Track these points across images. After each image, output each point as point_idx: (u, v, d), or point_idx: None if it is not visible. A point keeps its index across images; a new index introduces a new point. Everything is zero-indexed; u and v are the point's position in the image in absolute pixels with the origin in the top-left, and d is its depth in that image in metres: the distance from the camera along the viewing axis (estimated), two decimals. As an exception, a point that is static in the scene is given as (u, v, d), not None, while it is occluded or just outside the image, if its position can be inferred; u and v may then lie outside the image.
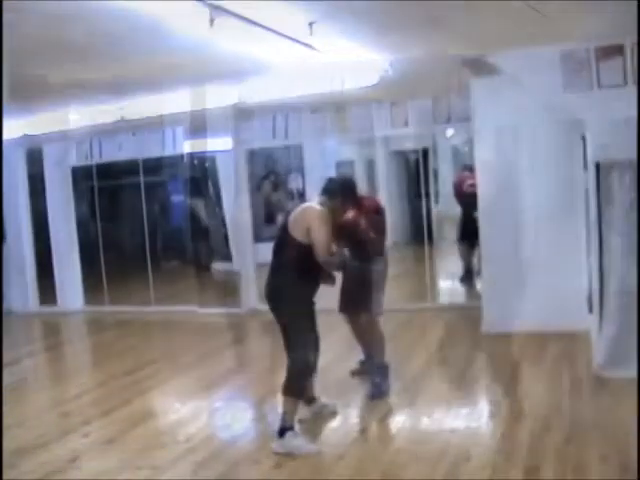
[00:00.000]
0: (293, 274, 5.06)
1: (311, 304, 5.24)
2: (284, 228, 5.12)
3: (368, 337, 6.26)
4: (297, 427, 5.11)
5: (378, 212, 6.16)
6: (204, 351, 8.28)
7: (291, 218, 5.09)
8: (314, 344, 5.23)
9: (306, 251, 4.94)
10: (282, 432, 4.97)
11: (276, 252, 5.23)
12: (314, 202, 5.19)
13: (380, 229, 6.12)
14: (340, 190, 5.32)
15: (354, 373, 6.60)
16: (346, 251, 5.47)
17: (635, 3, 4.73)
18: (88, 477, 4.78)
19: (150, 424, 5.90)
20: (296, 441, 4.95)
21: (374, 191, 14.55)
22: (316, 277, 5.17)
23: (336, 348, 7.54)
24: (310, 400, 5.59)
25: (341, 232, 5.71)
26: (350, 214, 5.74)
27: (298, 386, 5.11)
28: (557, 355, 6.84)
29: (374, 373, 6.15)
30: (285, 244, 5.11)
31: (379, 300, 6.14)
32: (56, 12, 4.19)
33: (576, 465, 4.36)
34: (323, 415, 5.62)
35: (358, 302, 6.15)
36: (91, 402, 6.63)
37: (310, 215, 5.00)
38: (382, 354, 6.20)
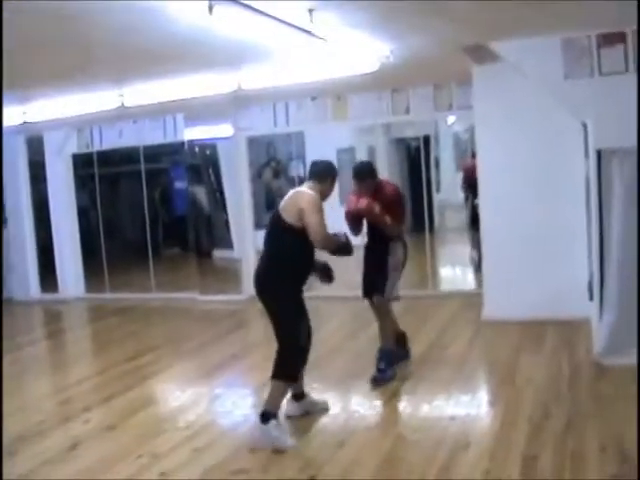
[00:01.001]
0: (284, 258, 4.96)
1: (300, 290, 5.07)
2: (275, 214, 5.01)
3: (379, 320, 6.21)
4: (285, 423, 5.10)
5: (396, 198, 6.08)
6: (205, 338, 8.30)
7: (282, 203, 4.98)
8: (306, 329, 5.02)
9: (298, 234, 4.84)
10: (265, 418, 4.82)
11: (267, 239, 5.11)
12: (304, 187, 5.08)
13: (397, 215, 6.00)
14: (326, 172, 5.18)
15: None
16: (345, 235, 5.20)
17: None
18: (88, 464, 4.78)
19: (150, 411, 5.91)
20: (276, 432, 4.80)
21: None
22: (308, 263, 5.09)
23: (337, 334, 7.57)
24: (299, 396, 5.40)
25: (356, 218, 5.96)
26: (364, 202, 5.80)
27: (291, 369, 4.97)
28: (557, 343, 6.85)
29: (379, 358, 6.11)
30: (276, 229, 5.01)
31: (393, 284, 6.07)
32: (54, 2, 4.19)
33: (575, 454, 4.36)
34: (313, 412, 5.43)
35: (372, 284, 6.12)
36: (91, 389, 6.65)
37: (302, 199, 4.88)
38: (389, 340, 6.17)
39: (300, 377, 5.29)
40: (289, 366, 4.94)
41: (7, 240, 11.99)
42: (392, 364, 6.10)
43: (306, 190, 4.99)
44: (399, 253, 6.12)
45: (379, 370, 6.03)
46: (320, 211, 4.85)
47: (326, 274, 5.27)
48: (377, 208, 5.81)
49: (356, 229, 6.07)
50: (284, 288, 4.94)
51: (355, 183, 5.98)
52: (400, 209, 6.11)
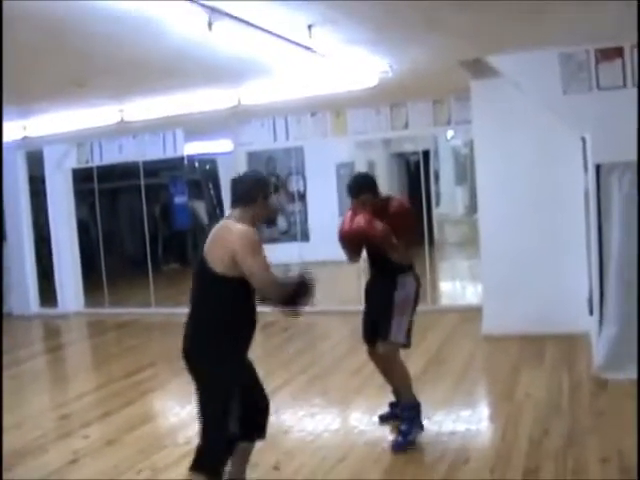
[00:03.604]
0: (216, 318, 3.80)
1: (240, 359, 3.92)
2: (200, 260, 3.85)
3: (388, 371, 5.24)
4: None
5: (402, 214, 5.00)
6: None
7: (207, 245, 3.83)
8: (237, 412, 3.81)
9: (233, 285, 3.74)
10: None
11: (193, 293, 3.93)
12: (231, 218, 3.88)
13: (404, 236, 4.93)
14: (251, 191, 3.92)
15: (382, 418, 5.49)
16: (301, 277, 3.95)
17: (634, 4, 4.74)
18: (88, 479, 4.77)
19: (150, 426, 5.91)
20: None
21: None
22: (249, 321, 3.91)
23: (336, 350, 7.56)
24: None
25: (354, 240, 4.99)
26: (362, 219, 4.83)
27: (212, 462, 3.82)
28: (557, 357, 6.85)
29: (401, 417, 5.16)
30: (203, 279, 3.87)
31: (401, 326, 4.96)
32: (54, 14, 4.20)
33: (575, 468, 4.36)
34: None
35: (374, 328, 5.14)
36: (91, 404, 6.64)
37: (230, 238, 3.72)
38: (407, 390, 5.16)
39: (247, 454, 4.17)
40: (210, 458, 3.83)
41: (7, 254, 11.99)
42: (417, 418, 5.11)
43: (233, 225, 3.80)
44: (409, 288, 5.03)
45: (402, 433, 5.03)
46: (257, 249, 3.72)
47: (303, 293, 3.93)
48: (379, 227, 4.80)
49: (353, 254, 5.18)
50: (217, 358, 3.80)
51: (351, 200, 5.05)
52: (408, 228, 5.07)
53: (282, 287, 3.84)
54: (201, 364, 3.83)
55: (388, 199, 5.10)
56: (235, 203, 3.93)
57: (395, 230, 4.84)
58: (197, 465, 3.80)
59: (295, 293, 3.87)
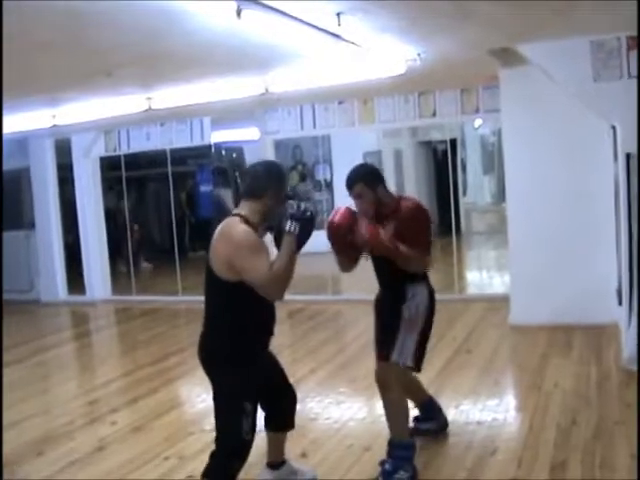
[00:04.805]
0: (228, 326, 3.65)
1: (259, 361, 3.75)
2: (207, 263, 3.62)
3: (383, 398, 4.46)
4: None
5: (414, 217, 4.21)
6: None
7: (212, 247, 3.57)
8: (252, 418, 3.65)
9: (242, 291, 3.51)
10: None
11: (205, 296, 3.80)
12: (237, 214, 3.60)
13: (417, 242, 4.16)
14: (261, 183, 3.63)
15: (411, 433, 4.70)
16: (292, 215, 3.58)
17: None
18: (115, 465, 4.81)
19: (177, 413, 5.95)
20: None
21: (401, 181, 14.59)
22: (263, 325, 3.77)
23: (362, 338, 7.55)
24: (277, 465, 4.22)
25: (349, 245, 4.25)
26: (364, 227, 4.14)
27: (223, 470, 3.64)
28: (585, 348, 6.79)
29: (387, 454, 4.42)
30: (212, 285, 3.66)
31: (406, 345, 4.24)
32: (84, 6, 4.20)
33: (604, 461, 4.31)
34: None
35: (378, 345, 4.49)
36: (118, 391, 6.69)
37: (227, 242, 3.48)
38: (401, 426, 4.43)
39: (281, 441, 4.20)
40: (222, 466, 3.66)
41: (35, 242, 12.10)
42: (408, 460, 4.32)
43: (234, 225, 3.53)
44: (419, 299, 4.30)
45: (385, 473, 4.29)
46: (254, 250, 3.47)
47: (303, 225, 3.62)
48: (385, 235, 4.06)
49: (347, 261, 4.44)
50: (231, 363, 3.65)
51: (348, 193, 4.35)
52: (422, 233, 4.25)
53: (281, 276, 3.50)
54: (213, 369, 3.77)
55: (399, 199, 4.32)
56: (244, 195, 3.67)
57: (408, 236, 4.11)
58: (207, 472, 3.68)
59: (292, 257, 3.58)
